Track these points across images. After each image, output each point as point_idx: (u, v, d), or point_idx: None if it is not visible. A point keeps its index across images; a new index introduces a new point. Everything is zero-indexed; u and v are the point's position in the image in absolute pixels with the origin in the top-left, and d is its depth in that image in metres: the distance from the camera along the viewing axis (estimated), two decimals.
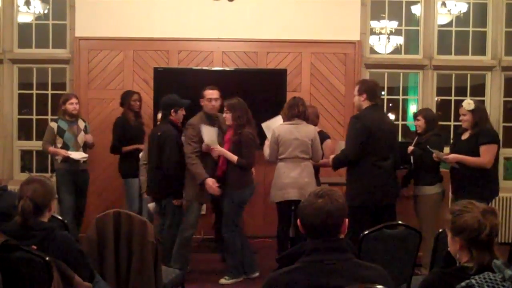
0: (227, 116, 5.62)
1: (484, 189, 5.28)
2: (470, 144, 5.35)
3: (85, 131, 6.47)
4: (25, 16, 7.62)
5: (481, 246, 2.34)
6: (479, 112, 5.41)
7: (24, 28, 7.57)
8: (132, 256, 3.73)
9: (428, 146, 5.48)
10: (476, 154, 5.30)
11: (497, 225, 2.36)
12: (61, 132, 6.31)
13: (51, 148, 6.31)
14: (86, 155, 6.37)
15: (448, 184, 5.68)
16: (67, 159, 6.24)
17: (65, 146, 6.29)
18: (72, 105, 6.35)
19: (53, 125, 6.37)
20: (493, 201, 7.09)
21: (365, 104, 5.20)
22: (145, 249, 3.70)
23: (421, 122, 5.75)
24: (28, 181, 3.07)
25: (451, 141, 5.80)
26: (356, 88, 5.32)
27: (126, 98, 6.71)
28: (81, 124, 6.47)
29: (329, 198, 2.36)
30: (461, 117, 5.48)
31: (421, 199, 5.61)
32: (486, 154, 5.29)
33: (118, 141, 6.62)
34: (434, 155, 5.50)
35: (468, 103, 5.39)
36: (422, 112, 5.92)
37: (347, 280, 2.26)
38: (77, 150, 6.32)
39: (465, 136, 5.49)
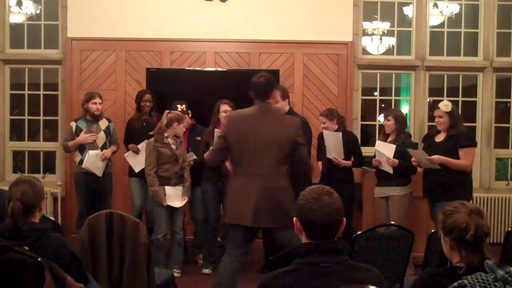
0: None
1: (457, 193, 5.07)
2: (448, 146, 5.26)
3: (107, 132, 6.23)
4: (17, 16, 7.58)
5: (469, 246, 2.34)
6: (455, 114, 5.35)
7: (16, 28, 7.54)
8: (125, 257, 3.72)
9: (408, 149, 5.46)
10: (453, 156, 5.23)
11: (484, 226, 2.35)
12: (78, 132, 6.13)
13: (70, 142, 6.13)
14: (98, 152, 6.07)
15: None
16: (83, 161, 6.09)
17: (81, 147, 6.13)
18: (95, 105, 6.13)
19: (72, 124, 6.22)
20: (486, 202, 7.22)
21: (287, 108, 5.33)
22: (138, 250, 3.70)
23: (391, 122, 5.71)
24: (17, 182, 3.04)
25: (422, 143, 5.71)
26: (278, 93, 5.25)
27: (137, 98, 6.47)
28: (103, 124, 6.24)
29: (333, 196, 2.35)
30: (437, 119, 5.37)
31: (396, 200, 5.60)
32: (466, 157, 5.24)
33: (124, 142, 6.48)
34: (413, 159, 5.44)
35: (445, 105, 5.30)
36: (392, 113, 5.89)
37: (341, 282, 2.25)
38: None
39: (439, 138, 5.40)
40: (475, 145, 5.42)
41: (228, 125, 4.47)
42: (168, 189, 5.63)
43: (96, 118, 6.19)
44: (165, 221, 5.63)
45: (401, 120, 5.77)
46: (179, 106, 6.05)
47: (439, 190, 5.28)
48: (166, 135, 5.66)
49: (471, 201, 5.46)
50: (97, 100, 6.16)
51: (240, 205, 4.27)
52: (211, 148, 5.21)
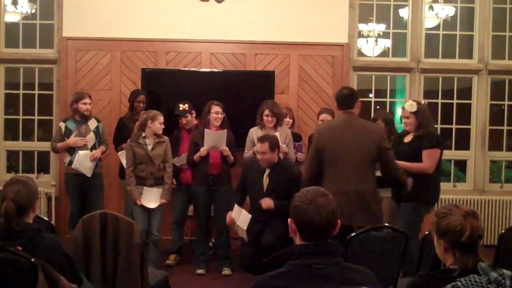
0: (222, 117, 5.90)
1: (423, 194, 5.11)
2: (412, 147, 5.20)
3: (96, 132, 6.17)
4: (12, 15, 7.56)
5: (464, 248, 2.35)
6: (422, 113, 5.22)
7: (11, 27, 7.52)
8: (119, 257, 3.71)
9: None
10: (418, 157, 5.14)
11: (479, 228, 2.36)
12: (68, 132, 6.08)
13: (59, 144, 6.09)
14: (88, 152, 6.03)
15: None
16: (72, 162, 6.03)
17: (71, 148, 6.06)
18: (85, 105, 6.08)
19: (61, 125, 6.16)
20: (480, 204, 7.24)
21: (276, 159, 5.44)
22: (132, 251, 3.69)
23: (381, 125, 5.72)
24: (11, 181, 3.02)
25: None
26: (267, 144, 5.35)
27: (131, 98, 6.47)
28: (92, 124, 6.19)
29: (328, 198, 2.35)
30: (404, 120, 5.32)
31: (388, 201, 5.58)
32: (427, 159, 5.13)
33: (114, 141, 6.48)
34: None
35: (411, 105, 5.22)
36: (381, 115, 5.88)
37: (335, 284, 2.24)
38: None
39: (407, 138, 5.33)
40: (439, 146, 5.19)
41: (317, 136, 4.72)
42: (145, 189, 5.65)
43: (85, 118, 6.15)
44: (142, 220, 5.59)
45: (389, 121, 5.79)
46: (181, 105, 6.07)
47: (402, 191, 5.11)
48: (144, 135, 5.69)
49: (435, 206, 5.37)
50: (87, 100, 6.12)
51: None
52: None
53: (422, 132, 5.18)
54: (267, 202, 5.26)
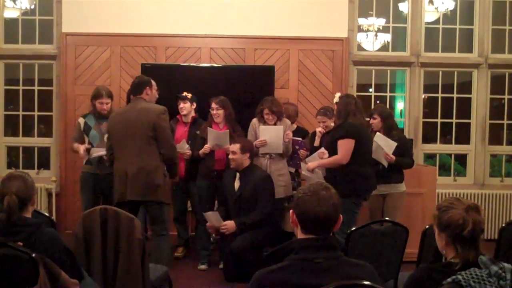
0: (219, 113, 5.88)
1: (346, 188, 4.89)
2: (329, 139, 5.31)
3: None
4: (11, 11, 7.55)
5: (465, 242, 2.35)
6: (340, 105, 5.25)
7: (10, 23, 7.51)
8: (119, 253, 3.71)
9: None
10: (334, 148, 5.13)
11: (481, 222, 2.36)
12: (87, 129, 5.88)
13: (75, 145, 5.89)
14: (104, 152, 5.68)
15: None
16: (90, 161, 5.83)
17: (90, 145, 5.85)
18: (101, 105, 5.85)
19: (81, 120, 5.96)
20: (480, 198, 7.25)
21: (247, 162, 5.61)
22: (132, 246, 3.69)
23: (377, 120, 5.69)
24: (10, 177, 3.03)
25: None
26: (238, 146, 5.55)
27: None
28: None
29: (330, 191, 2.36)
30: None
31: (396, 197, 5.63)
32: (340, 149, 5.07)
33: None
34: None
35: (335, 97, 5.40)
36: (377, 110, 5.83)
37: (336, 278, 2.24)
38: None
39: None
40: (352, 136, 5.07)
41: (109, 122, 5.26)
42: None
43: (106, 116, 5.82)
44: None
45: (386, 116, 5.71)
46: (185, 92, 6.07)
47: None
48: None
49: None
50: (104, 100, 5.87)
51: None
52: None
53: (338, 123, 5.26)
54: (228, 228, 5.42)
